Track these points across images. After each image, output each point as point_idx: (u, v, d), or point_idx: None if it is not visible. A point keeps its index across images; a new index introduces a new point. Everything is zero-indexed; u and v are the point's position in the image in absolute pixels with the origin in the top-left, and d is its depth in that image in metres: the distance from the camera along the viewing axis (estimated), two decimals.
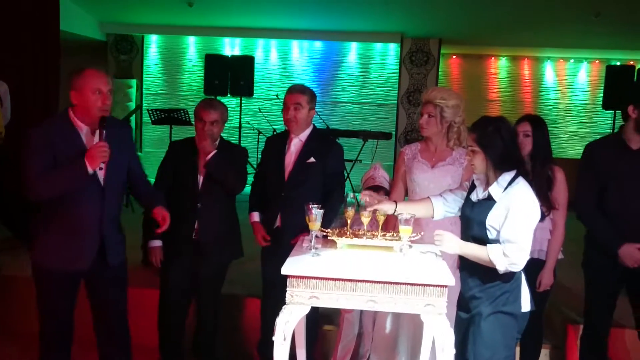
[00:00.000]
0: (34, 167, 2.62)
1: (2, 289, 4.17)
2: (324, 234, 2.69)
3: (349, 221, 2.73)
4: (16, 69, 5.38)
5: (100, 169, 2.68)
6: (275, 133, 7.48)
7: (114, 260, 2.86)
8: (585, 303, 3.27)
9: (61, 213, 2.72)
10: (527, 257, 2.40)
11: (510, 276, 2.48)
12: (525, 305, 2.55)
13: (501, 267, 2.39)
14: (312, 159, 3.27)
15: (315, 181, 3.27)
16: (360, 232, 2.72)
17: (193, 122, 3.40)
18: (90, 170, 2.64)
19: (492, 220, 2.41)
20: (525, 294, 2.55)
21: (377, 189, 3.39)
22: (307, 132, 3.34)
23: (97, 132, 2.71)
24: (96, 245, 2.78)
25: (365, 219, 2.68)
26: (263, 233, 3.36)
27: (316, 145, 3.32)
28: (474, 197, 2.55)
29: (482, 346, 2.47)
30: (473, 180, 2.61)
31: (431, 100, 3.07)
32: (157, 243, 3.34)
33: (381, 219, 2.73)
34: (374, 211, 2.68)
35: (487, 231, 2.44)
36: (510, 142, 2.43)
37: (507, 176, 2.42)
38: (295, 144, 3.33)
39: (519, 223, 2.36)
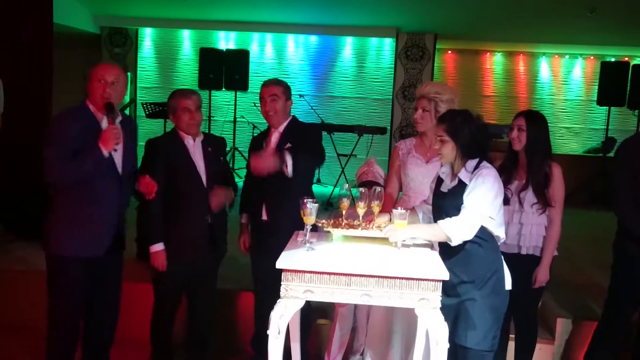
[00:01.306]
0: (54, 154, 2.72)
1: None
2: (320, 224, 2.68)
3: (344, 212, 2.72)
4: (9, 62, 5.35)
5: (115, 150, 2.81)
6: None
7: (123, 248, 3.04)
8: (610, 298, 3.24)
9: (82, 201, 2.82)
10: (476, 229, 2.48)
11: (494, 257, 2.59)
12: (508, 283, 2.64)
13: (452, 234, 2.46)
14: (288, 145, 3.22)
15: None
16: (355, 223, 2.72)
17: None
18: (105, 153, 2.75)
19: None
20: (507, 272, 2.65)
21: (370, 184, 3.39)
22: (285, 123, 3.34)
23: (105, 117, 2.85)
24: (113, 232, 2.92)
25: (361, 210, 2.68)
26: (245, 240, 3.47)
27: (295, 133, 3.31)
28: (444, 188, 2.66)
29: (474, 329, 2.54)
30: (439, 176, 2.72)
31: (425, 94, 3.08)
32: (160, 247, 3.16)
33: (376, 210, 2.72)
34: (370, 203, 2.69)
35: None
36: (477, 132, 2.57)
37: (472, 162, 2.56)
38: (275, 136, 3.34)
39: (477, 193, 2.48)
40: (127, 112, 9.28)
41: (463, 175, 2.55)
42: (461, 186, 2.54)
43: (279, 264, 2.33)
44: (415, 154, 3.18)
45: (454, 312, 2.58)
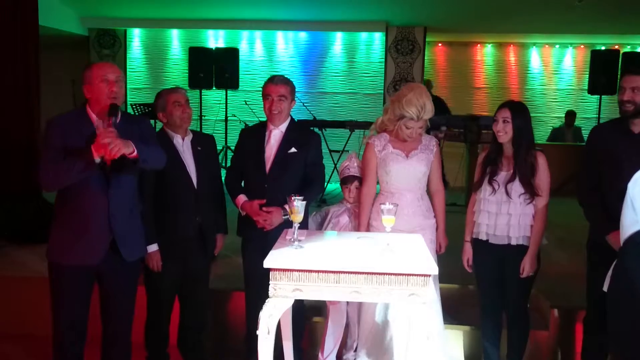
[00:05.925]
0: (46, 159, 2.66)
1: None
2: None
3: None
4: None
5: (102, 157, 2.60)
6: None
7: (130, 256, 2.81)
8: (588, 285, 3.20)
9: (69, 207, 2.72)
10: None
11: None
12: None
13: None
14: (293, 149, 3.23)
15: (297, 171, 3.23)
16: None
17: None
18: (96, 157, 2.59)
19: None
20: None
21: (352, 179, 3.39)
22: (287, 122, 3.31)
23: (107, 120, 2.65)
24: (106, 239, 2.73)
25: None
26: (256, 204, 3.17)
27: (296, 136, 3.28)
28: None
29: None
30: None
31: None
32: (154, 248, 3.14)
33: None
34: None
35: None
36: None
37: None
38: (275, 135, 3.29)
39: None
40: None
41: None
42: None
43: (267, 263, 2.32)
44: (394, 150, 3.18)
45: None
